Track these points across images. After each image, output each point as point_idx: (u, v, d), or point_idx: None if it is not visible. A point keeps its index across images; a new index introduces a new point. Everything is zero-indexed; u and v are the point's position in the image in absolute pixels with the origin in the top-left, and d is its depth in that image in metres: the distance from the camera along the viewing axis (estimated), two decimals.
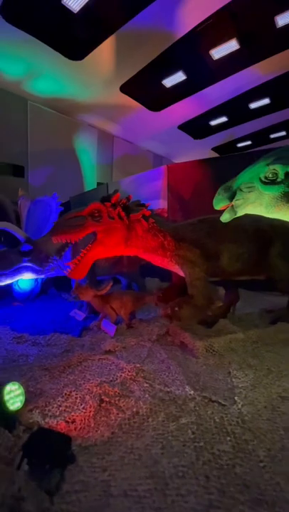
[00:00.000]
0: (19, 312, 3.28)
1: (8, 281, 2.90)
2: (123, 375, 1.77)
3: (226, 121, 10.78)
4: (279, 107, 10.04)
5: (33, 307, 3.50)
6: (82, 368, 1.91)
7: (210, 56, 7.19)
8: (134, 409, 1.46)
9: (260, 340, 2.27)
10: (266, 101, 9.52)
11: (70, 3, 5.30)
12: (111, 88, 8.11)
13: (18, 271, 2.86)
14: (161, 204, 4.93)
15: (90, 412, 1.44)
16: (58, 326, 2.78)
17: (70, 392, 1.60)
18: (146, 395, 1.57)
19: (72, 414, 1.42)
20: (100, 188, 6.78)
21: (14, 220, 4.73)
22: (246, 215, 1.72)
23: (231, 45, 6.83)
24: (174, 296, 2.51)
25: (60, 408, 1.47)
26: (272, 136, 12.43)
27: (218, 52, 7.06)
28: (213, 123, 10.81)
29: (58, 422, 1.35)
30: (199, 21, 6.18)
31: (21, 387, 1.47)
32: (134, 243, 2.10)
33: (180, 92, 8.66)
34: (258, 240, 2.18)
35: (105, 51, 6.77)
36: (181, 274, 2.21)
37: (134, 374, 1.77)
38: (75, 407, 1.47)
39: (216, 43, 6.83)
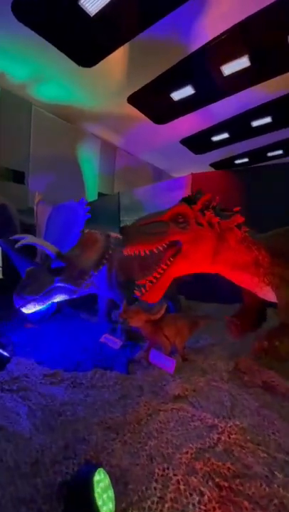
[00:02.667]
0: (37, 337, 2.72)
1: (37, 308, 2.37)
2: (222, 437, 1.31)
3: (227, 138, 10.90)
4: (279, 126, 10.29)
5: (52, 330, 2.94)
6: (157, 425, 1.42)
7: (220, 72, 7.22)
8: (276, 501, 1.00)
9: None
10: (268, 120, 9.71)
11: (87, 5, 5.09)
12: (118, 98, 7.94)
13: (50, 294, 2.34)
14: None
15: (216, 510, 0.96)
16: (93, 357, 2.27)
17: (164, 470, 1.12)
18: (276, 473, 1.11)
19: None
20: (110, 197, 6.40)
21: (19, 229, 4.20)
22: None
23: (242, 62, 6.89)
24: (249, 323, 2.10)
25: (166, 505, 0.98)
26: (269, 154, 12.73)
27: (228, 68, 7.10)
28: (214, 139, 10.90)
29: None
30: (214, 36, 6.19)
31: (107, 476, 0.97)
32: (223, 257, 1.70)
33: (186, 106, 8.64)
34: None
35: (117, 60, 6.60)
36: (270, 297, 1.82)
37: (238, 436, 1.31)
38: (186, 501, 0.99)
39: (227, 59, 6.87)
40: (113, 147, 10.23)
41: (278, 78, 7.55)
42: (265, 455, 1.23)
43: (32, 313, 3.23)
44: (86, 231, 2.56)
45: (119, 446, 1.27)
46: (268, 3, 5.37)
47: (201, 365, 2.08)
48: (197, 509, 0.96)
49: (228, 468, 1.14)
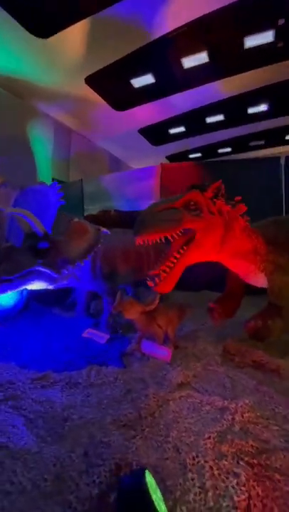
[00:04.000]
0: (9, 338, 2.42)
1: (9, 292, 2.06)
2: (236, 417, 1.36)
3: (183, 131, 11.18)
4: (229, 125, 10.94)
5: (24, 329, 2.64)
6: (171, 415, 1.40)
7: (181, 64, 7.28)
8: None
9: None
10: (220, 117, 10.24)
11: None
12: (75, 78, 7.40)
13: (27, 278, 2.06)
14: None
15: (255, 487, 0.99)
16: (80, 354, 2.12)
17: (194, 459, 1.12)
18: None
19: (236, 498, 0.95)
20: (72, 184, 5.98)
21: None
22: None
23: (202, 57, 7.06)
24: (230, 310, 2.21)
25: (209, 493, 0.97)
26: (219, 151, 13.53)
27: (188, 62, 7.20)
28: (172, 131, 11.07)
29: None
30: (176, 26, 6.17)
31: (152, 477, 0.91)
32: (229, 246, 1.72)
33: (146, 95, 8.53)
34: None
35: (75, 35, 6.09)
36: (260, 283, 1.93)
37: (250, 414, 1.38)
38: (225, 485, 1.01)
39: (188, 52, 6.95)
40: (68, 130, 9.56)
41: (232, 78, 7.95)
42: (277, 428, 1.32)
43: None
44: (75, 220, 2.35)
45: (142, 443, 1.21)
46: (228, 2, 5.55)
47: (192, 351, 2.13)
48: (239, 491, 0.98)
49: (251, 445, 1.20)
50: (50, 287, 2.28)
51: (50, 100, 7.98)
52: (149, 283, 1.60)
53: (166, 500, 0.92)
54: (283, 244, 1.89)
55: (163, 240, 1.45)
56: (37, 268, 2.07)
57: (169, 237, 1.47)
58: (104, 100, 8.57)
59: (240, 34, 6.30)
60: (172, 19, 6.04)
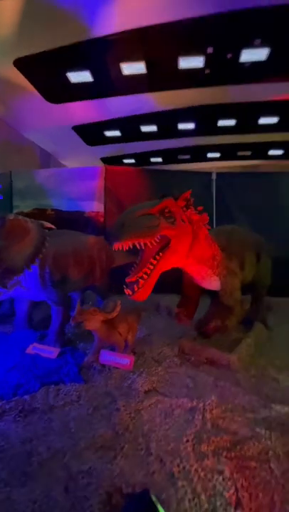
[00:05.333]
0: None
1: None
2: (206, 415, 1.44)
3: (119, 136, 11.30)
4: (162, 137, 11.67)
5: None
6: (147, 425, 1.38)
7: (120, 69, 7.34)
8: (270, 452, 1.22)
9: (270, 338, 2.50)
10: (154, 128, 10.81)
11: None
12: (2, 57, 6.55)
13: None
14: (96, 207, 4.46)
15: (240, 479, 1.06)
16: (30, 374, 1.85)
17: (179, 466, 1.14)
18: (257, 429, 1.35)
19: (226, 494, 1.00)
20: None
21: None
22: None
23: (139, 67, 7.30)
24: (192, 309, 2.34)
25: (201, 496, 1.00)
26: (152, 159, 14.23)
27: (127, 69, 7.34)
28: (107, 134, 11.04)
29: None
30: (118, 30, 6.20)
31: (154, 496, 0.87)
32: (194, 252, 1.77)
33: (83, 92, 8.25)
34: (255, 251, 2.43)
35: (7, 8, 5.41)
36: (213, 286, 2.08)
37: (216, 410, 1.48)
38: (213, 484, 1.05)
39: (127, 59, 7.06)
40: None
41: (166, 93, 8.51)
42: (241, 418, 1.46)
43: None
44: (10, 217, 2.01)
45: (125, 462, 1.14)
46: (167, 20, 5.91)
47: (151, 356, 2.15)
48: (226, 485, 1.03)
49: (225, 440, 1.28)
50: None
51: None
52: (127, 291, 1.53)
53: None
54: (234, 251, 2.13)
55: (142, 246, 1.43)
56: None
57: (148, 244, 1.45)
58: (36, 89, 7.87)
59: (176, 53, 6.80)
60: (115, 22, 6.04)
